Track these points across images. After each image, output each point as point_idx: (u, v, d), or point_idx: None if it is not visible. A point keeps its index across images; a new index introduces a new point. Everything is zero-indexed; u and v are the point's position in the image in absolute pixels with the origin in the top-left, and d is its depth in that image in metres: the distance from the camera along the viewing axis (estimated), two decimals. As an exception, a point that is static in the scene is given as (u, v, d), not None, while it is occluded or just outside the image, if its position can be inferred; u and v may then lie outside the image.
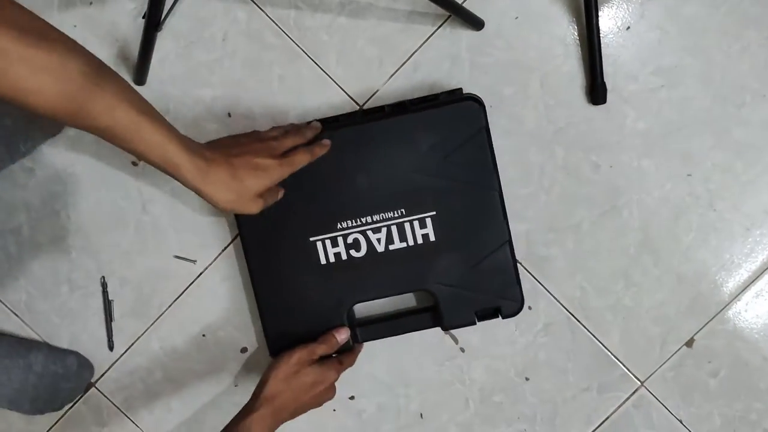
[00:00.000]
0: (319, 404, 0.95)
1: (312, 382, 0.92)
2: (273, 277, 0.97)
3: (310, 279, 0.96)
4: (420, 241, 0.95)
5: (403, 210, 0.94)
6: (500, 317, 0.96)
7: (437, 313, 0.96)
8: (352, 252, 0.95)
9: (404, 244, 0.95)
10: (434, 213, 0.94)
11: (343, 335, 0.96)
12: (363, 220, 0.95)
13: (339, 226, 0.95)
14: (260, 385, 0.90)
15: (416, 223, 0.94)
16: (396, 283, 0.96)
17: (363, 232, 0.95)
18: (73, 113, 0.66)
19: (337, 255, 0.95)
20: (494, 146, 0.94)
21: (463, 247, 0.95)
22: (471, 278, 0.95)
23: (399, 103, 0.96)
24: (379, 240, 0.95)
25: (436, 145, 0.93)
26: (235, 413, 0.89)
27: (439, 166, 0.93)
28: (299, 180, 0.89)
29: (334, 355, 0.97)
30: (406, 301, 1.03)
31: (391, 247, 0.95)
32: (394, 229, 0.95)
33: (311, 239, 0.96)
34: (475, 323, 0.96)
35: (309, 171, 0.88)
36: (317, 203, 0.95)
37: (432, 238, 0.94)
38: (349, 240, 0.95)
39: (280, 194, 0.90)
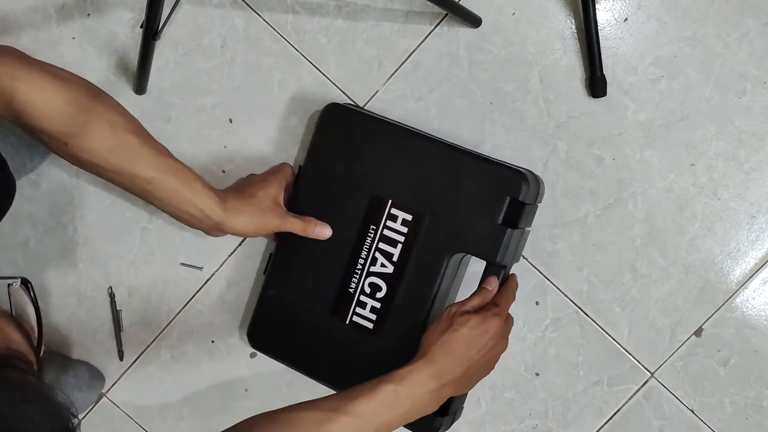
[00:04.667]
0: (493, 360, 0.85)
1: (472, 332, 0.81)
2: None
3: (377, 354, 0.93)
4: (404, 229, 0.91)
5: (372, 226, 0.92)
6: (530, 205, 0.89)
7: (484, 258, 0.89)
8: (379, 295, 0.93)
9: (399, 246, 0.91)
10: (390, 200, 0.91)
11: (492, 284, 0.87)
12: (359, 265, 0.93)
13: (351, 290, 0.94)
14: (417, 352, 0.82)
15: (389, 222, 0.91)
16: (428, 276, 0.90)
17: (369, 273, 0.93)
18: (72, 134, 0.70)
19: (374, 310, 0.93)
20: (494, 145, 0.94)
21: (435, 194, 0.90)
22: (467, 204, 0.88)
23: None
24: (383, 264, 0.92)
25: (342, 158, 0.93)
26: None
27: (359, 168, 0.92)
28: (292, 288, 0.95)
29: None
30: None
31: (395, 259, 0.92)
32: (382, 245, 0.92)
33: (347, 322, 0.94)
34: (520, 229, 0.88)
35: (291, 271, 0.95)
36: (322, 293, 0.95)
37: (408, 217, 0.90)
38: (367, 290, 0.93)
39: (316, 227, 0.91)
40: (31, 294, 0.59)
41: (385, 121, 0.93)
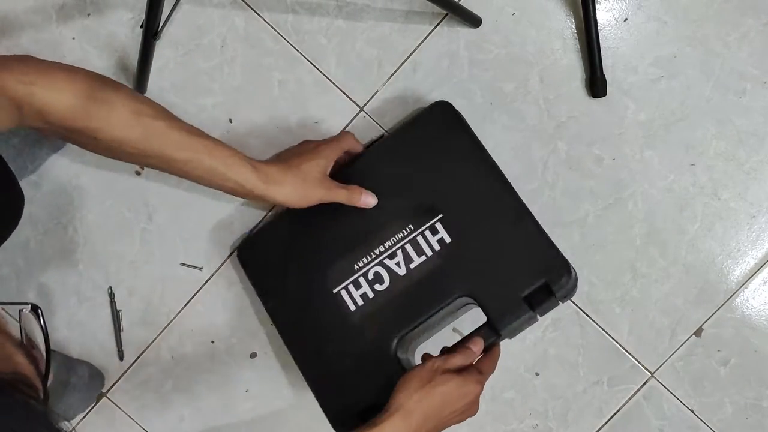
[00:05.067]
0: (459, 421, 0.85)
1: (452, 394, 0.80)
2: (311, 347, 0.94)
3: (347, 332, 0.92)
4: (437, 247, 0.90)
5: (411, 226, 0.91)
6: (556, 298, 0.87)
7: (489, 317, 0.88)
8: (377, 287, 0.92)
9: (423, 257, 0.91)
10: (441, 215, 0.91)
11: (478, 346, 0.86)
12: (376, 251, 0.92)
13: (356, 267, 0.92)
14: (391, 398, 0.80)
15: (428, 233, 0.91)
16: (431, 299, 0.90)
17: (381, 263, 0.92)
18: (98, 128, 0.74)
19: (364, 296, 0.92)
20: (495, 145, 0.94)
21: (483, 235, 0.89)
22: (505, 263, 0.88)
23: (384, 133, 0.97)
24: (398, 264, 0.91)
25: (423, 154, 0.93)
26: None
27: (431, 171, 0.92)
28: (305, 231, 0.93)
29: None
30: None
31: (412, 266, 0.91)
32: (408, 247, 0.91)
33: (335, 291, 0.93)
34: (533, 314, 0.87)
35: (312, 219, 0.91)
36: (327, 251, 0.93)
37: (448, 239, 0.90)
38: (370, 276, 0.92)
39: (363, 197, 0.91)
40: (41, 321, 0.59)
41: (479, 146, 0.92)
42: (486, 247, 0.89)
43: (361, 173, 0.93)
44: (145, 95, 0.82)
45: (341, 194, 0.89)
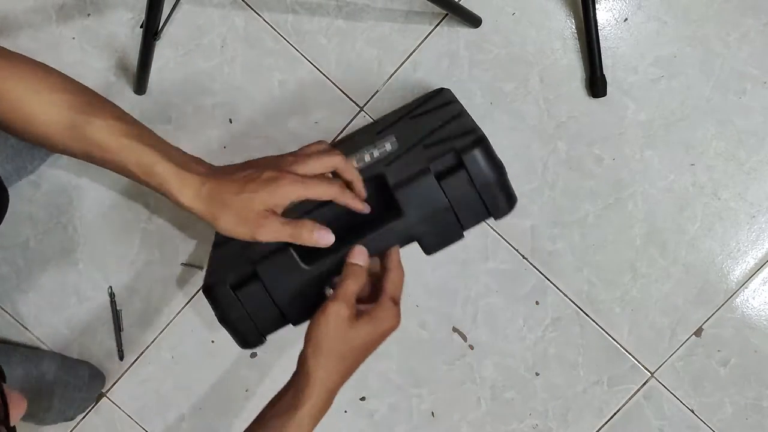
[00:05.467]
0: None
1: (367, 343, 0.71)
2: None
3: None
4: (377, 155, 0.82)
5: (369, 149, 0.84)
6: (468, 174, 0.75)
7: (391, 188, 0.76)
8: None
9: (361, 165, 0.81)
10: (393, 137, 0.83)
11: (361, 256, 0.74)
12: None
13: None
14: (302, 363, 0.71)
15: (375, 152, 0.83)
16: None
17: None
18: (72, 138, 0.69)
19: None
20: (495, 145, 0.93)
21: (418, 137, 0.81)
22: (422, 145, 0.78)
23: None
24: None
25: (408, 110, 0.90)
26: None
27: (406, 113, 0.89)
28: None
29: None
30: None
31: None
32: (353, 162, 0.82)
33: None
34: (436, 185, 0.75)
35: None
36: None
37: (390, 148, 0.81)
38: None
39: (315, 235, 0.73)
40: None
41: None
42: (415, 138, 0.82)
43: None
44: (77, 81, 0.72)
45: (284, 233, 0.72)
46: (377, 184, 0.79)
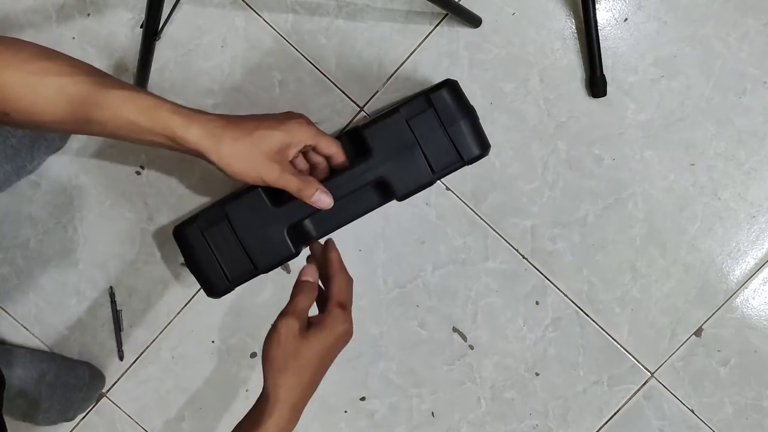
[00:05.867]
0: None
1: (324, 353, 0.71)
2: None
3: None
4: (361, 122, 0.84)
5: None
6: (435, 112, 0.78)
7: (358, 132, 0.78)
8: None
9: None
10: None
11: (310, 273, 0.74)
12: None
13: None
14: (264, 389, 0.72)
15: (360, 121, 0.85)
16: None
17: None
18: (80, 117, 0.67)
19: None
20: (495, 145, 0.94)
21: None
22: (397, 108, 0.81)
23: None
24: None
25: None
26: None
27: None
28: None
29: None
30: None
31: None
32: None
33: None
34: (403, 122, 0.77)
35: None
36: None
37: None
38: None
39: (318, 195, 0.75)
40: None
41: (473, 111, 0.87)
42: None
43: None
44: (50, 48, 0.69)
45: (292, 181, 0.74)
46: (354, 137, 0.80)
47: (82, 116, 0.67)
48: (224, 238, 0.82)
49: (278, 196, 0.79)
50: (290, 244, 0.81)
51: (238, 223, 0.81)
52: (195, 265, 0.84)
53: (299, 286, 0.73)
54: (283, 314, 0.71)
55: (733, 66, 0.96)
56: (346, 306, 0.72)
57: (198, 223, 0.82)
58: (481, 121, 0.93)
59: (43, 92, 0.65)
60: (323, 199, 0.76)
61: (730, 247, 0.99)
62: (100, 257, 1.06)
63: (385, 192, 0.84)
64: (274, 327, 0.70)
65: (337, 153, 0.80)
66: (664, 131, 0.98)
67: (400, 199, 0.82)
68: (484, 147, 0.82)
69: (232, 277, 0.84)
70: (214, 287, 0.84)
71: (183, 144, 0.69)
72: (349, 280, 0.75)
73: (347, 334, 0.72)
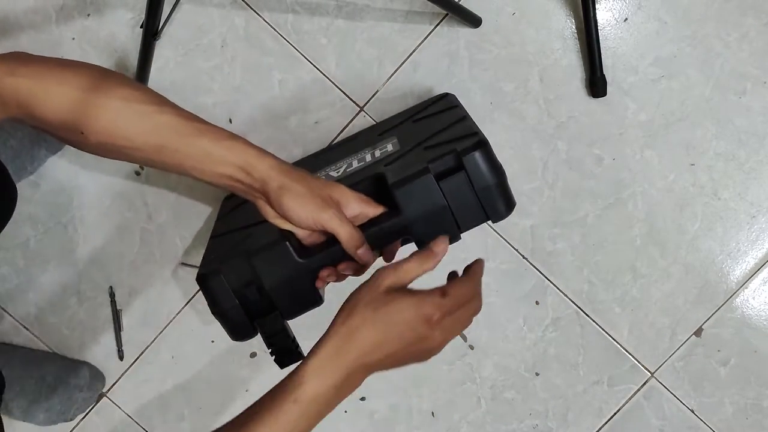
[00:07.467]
0: (426, 355, 0.64)
1: (412, 320, 0.61)
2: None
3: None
4: (378, 155, 0.83)
5: (369, 150, 0.87)
6: (467, 174, 0.75)
7: (389, 186, 0.75)
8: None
9: (362, 164, 0.82)
10: (395, 138, 0.85)
11: (441, 245, 0.67)
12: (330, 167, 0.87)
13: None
14: (335, 319, 0.64)
15: (377, 152, 0.84)
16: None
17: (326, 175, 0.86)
18: (83, 122, 0.69)
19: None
20: (495, 145, 0.93)
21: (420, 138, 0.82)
22: (422, 147, 0.79)
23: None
24: (337, 171, 0.85)
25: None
26: None
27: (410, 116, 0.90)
28: None
29: None
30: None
31: (349, 170, 0.82)
32: (354, 162, 0.84)
33: None
34: (435, 184, 0.75)
35: None
36: None
37: (391, 149, 0.82)
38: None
39: (363, 250, 0.72)
40: None
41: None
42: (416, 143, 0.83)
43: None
44: (144, 85, 0.75)
45: (345, 230, 0.71)
46: (377, 183, 0.80)
47: (157, 143, 0.69)
48: (251, 292, 0.82)
49: (303, 247, 0.80)
50: (320, 295, 0.82)
51: (264, 274, 0.81)
52: (222, 315, 0.84)
53: (420, 252, 0.66)
54: (390, 267, 0.64)
55: (733, 66, 0.96)
56: (448, 293, 0.64)
57: (225, 275, 0.82)
58: (481, 121, 0.93)
59: (126, 115, 0.69)
60: (368, 254, 0.73)
61: (730, 247, 0.99)
62: (99, 257, 1.06)
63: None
64: (378, 273, 0.64)
65: (367, 217, 0.76)
66: (664, 131, 0.98)
67: None
68: (510, 207, 0.81)
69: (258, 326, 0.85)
70: (240, 334, 0.85)
71: (252, 173, 0.69)
72: (477, 299, 0.68)
73: (430, 325, 0.62)
